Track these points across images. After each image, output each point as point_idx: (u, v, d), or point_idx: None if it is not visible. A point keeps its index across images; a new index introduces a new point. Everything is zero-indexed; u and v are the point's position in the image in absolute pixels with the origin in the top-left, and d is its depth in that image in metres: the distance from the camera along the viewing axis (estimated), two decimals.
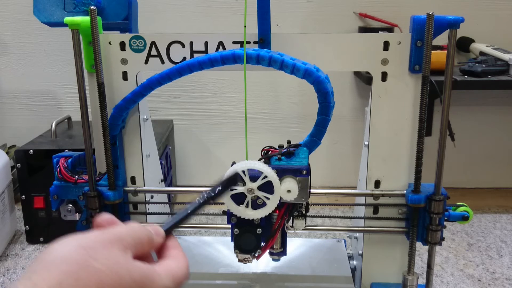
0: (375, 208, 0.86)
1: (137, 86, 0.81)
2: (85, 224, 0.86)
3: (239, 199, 0.72)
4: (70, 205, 0.87)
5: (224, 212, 0.78)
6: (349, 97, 1.79)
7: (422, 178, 0.80)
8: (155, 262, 0.38)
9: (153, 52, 0.81)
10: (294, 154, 0.76)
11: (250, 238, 0.75)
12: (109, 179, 0.84)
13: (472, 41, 1.68)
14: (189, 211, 0.43)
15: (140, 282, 0.34)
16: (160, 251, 0.40)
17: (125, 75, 0.83)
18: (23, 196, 1.38)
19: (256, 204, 0.72)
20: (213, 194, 0.45)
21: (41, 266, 0.32)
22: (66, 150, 0.98)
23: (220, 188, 0.46)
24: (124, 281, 0.33)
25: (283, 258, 0.83)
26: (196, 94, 1.80)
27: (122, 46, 0.81)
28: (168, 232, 0.41)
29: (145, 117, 0.93)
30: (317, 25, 1.72)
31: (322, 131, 0.78)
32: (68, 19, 0.77)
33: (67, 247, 0.33)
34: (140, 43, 0.81)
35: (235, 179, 0.47)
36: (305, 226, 0.78)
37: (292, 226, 0.78)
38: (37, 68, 1.79)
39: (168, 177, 1.59)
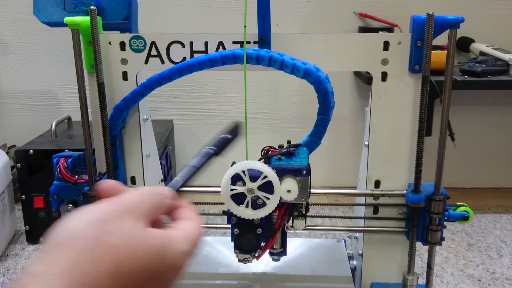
0: (375, 208, 0.86)
1: (137, 86, 0.81)
2: None
3: (239, 199, 0.72)
4: (70, 205, 0.87)
5: (224, 212, 0.78)
6: (349, 97, 1.79)
7: (422, 178, 0.80)
8: (168, 226, 0.37)
9: (153, 52, 0.81)
10: (294, 154, 0.76)
11: (250, 238, 0.75)
12: (109, 179, 0.84)
13: (472, 41, 1.68)
14: (195, 168, 0.41)
15: (158, 252, 0.33)
16: (172, 212, 0.39)
17: (125, 75, 0.83)
18: (23, 196, 1.38)
19: (256, 204, 0.72)
20: (216, 149, 0.43)
21: (53, 246, 0.31)
22: (66, 150, 0.98)
23: (224, 139, 0.44)
24: (141, 253, 0.32)
25: (283, 258, 0.82)
26: (196, 94, 1.80)
27: (122, 46, 0.81)
28: (177, 192, 0.39)
29: (145, 117, 0.93)
30: (317, 25, 1.72)
31: (322, 131, 0.78)
32: (68, 19, 0.77)
33: (79, 224, 0.32)
34: (140, 43, 0.81)
35: (237, 128, 0.45)
36: (305, 226, 0.78)
37: (292, 226, 0.78)
38: (37, 68, 1.79)
39: (168, 177, 1.59)
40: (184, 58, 0.81)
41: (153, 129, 1.00)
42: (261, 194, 0.71)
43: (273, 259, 0.83)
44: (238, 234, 0.76)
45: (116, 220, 0.33)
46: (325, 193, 0.88)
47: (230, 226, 0.77)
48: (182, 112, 1.82)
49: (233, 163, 0.72)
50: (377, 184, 0.85)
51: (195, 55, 0.81)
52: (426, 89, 0.76)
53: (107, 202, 0.34)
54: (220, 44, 0.80)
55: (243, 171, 0.70)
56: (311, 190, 0.74)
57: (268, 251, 0.79)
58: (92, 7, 0.76)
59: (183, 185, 0.40)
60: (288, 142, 0.79)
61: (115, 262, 0.31)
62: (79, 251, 0.30)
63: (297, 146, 0.78)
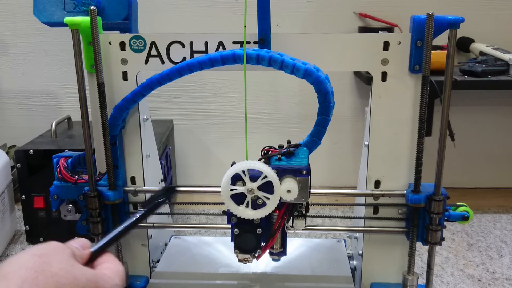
0: (375, 208, 0.86)
1: (137, 86, 0.81)
2: (85, 224, 0.86)
3: (239, 199, 0.72)
4: (70, 205, 0.87)
5: (224, 212, 0.78)
6: (349, 97, 1.79)
7: (422, 178, 0.80)
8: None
9: (153, 52, 0.81)
10: (294, 154, 0.76)
11: (250, 238, 0.75)
12: (109, 179, 0.84)
13: (472, 41, 1.68)
14: (124, 227, 0.44)
15: (94, 281, 0.37)
16: (97, 264, 0.43)
17: (125, 75, 0.83)
18: (23, 196, 1.38)
19: (256, 204, 0.72)
20: (146, 210, 0.45)
21: (1, 276, 0.34)
22: (66, 150, 0.98)
23: (155, 201, 0.46)
24: (80, 281, 0.36)
25: (283, 258, 0.82)
26: (196, 94, 1.80)
27: (122, 46, 0.81)
28: (98, 251, 0.43)
29: (145, 117, 0.93)
30: (317, 25, 1.72)
31: (322, 131, 0.78)
32: (68, 19, 0.77)
33: (23, 257, 0.35)
34: (140, 43, 0.81)
35: (170, 191, 0.47)
36: (305, 226, 0.78)
37: (292, 226, 0.78)
38: (37, 68, 1.79)
39: (168, 177, 1.59)
40: (184, 58, 0.81)
41: (153, 129, 1.00)
42: (261, 194, 0.71)
43: (273, 259, 0.83)
44: (238, 234, 0.76)
45: (56, 254, 0.37)
46: (325, 193, 0.88)
47: (230, 226, 0.77)
48: (182, 112, 1.82)
49: (233, 163, 0.72)
50: (377, 184, 0.85)
51: (195, 55, 0.81)
52: (426, 89, 0.76)
53: (43, 244, 0.38)
54: (220, 44, 0.80)
55: (243, 171, 0.70)
56: (311, 190, 0.74)
57: (268, 251, 0.79)
58: (92, 7, 0.76)
59: (108, 244, 0.43)
60: (288, 142, 0.79)
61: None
62: (24, 279, 0.34)
63: (297, 146, 0.78)
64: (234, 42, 0.80)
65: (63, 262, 0.36)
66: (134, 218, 0.44)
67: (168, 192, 0.47)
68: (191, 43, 0.81)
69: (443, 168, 0.79)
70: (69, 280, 0.35)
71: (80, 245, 0.41)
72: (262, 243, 0.77)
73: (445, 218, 0.80)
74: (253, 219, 0.74)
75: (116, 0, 0.85)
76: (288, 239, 0.81)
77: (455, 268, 1.29)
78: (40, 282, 0.34)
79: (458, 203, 0.83)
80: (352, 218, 0.94)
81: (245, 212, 0.72)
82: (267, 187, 0.71)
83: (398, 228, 0.84)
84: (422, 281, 0.88)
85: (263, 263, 0.95)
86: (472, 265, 1.30)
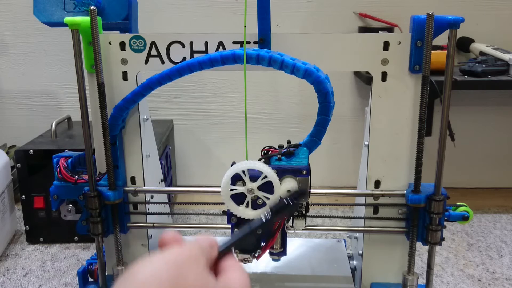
0: (375, 208, 0.86)
1: (137, 86, 0.81)
2: (85, 224, 0.86)
3: (239, 199, 0.72)
4: (70, 205, 0.87)
5: (224, 212, 0.78)
6: (349, 97, 1.79)
7: (422, 178, 0.80)
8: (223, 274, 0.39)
9: (153, 52, 0.81)
10: (294, 154, 0.76)
11: (250, 238, 0.75)
12: (109, 179, 0.84)
13: (472, 41, 1.68)
14: (248, 228, 0.42)
15: None
16: (222, 269, 0.40)
17: (125, 75, 0.83)
18: (23, 196, 1.38)
19: (256, 204, 0.72)
20: (272, 213, 0.43)
21: (132, 285, 0.32)
22: (66, 150, 0.98)
23: (283, 203, 0.44)
24: None
25: (283, 258, 0.82)
26: (196, 94, 1.80)
27: (122, 46, 0.81)
28: (225, 251, 0.40)
29: (145, 117, 0.93)
30: (317, 25, 1.72)
31: (322, 131, 0.78)
32: (68, 19, 0.77)
33: (158, 264, 0.33)
34: (140, 43, 0.81)
35: (300, 195, 0.45)
36: (305, 226, 0.78)
37: (292, 226, 0.78)
38: (37, 68, 1.79)
39: (168, 177, 1.59)
40: (184, 58, 0.81)
41: (153, 129, 1.00)
42: (261, 194, 0.71)
43: (273, 259, 0.83)
44: None
45: (190, 265, 0.34)
46: (325, 193, 0.88)
47: (230, 226, 0.77)
48: (182, 112, 1.82)
49: (233, 163, 0.72)
50: (377, 184, 0.85)
51: (195, 55, 0.81)
52: (426, 89, 0.76)
53: (178, 249, 0.36)
54: (220, 44, 0.80)
55: (243, 171, 0.70)
56: (311, 190, 0.74)
57: (268, 251, 0.79)
58: (92, 7, 0.76)
59: (232, 245, 0.41)
60: (288, 142, 0.79)
61: None
62: None
63: (297, 146, 0.78)
64: (234, 42, 0.80)
65: (198, 276, 0.34)
66: (261, 221, 0.42)
67: (300, 197, 0.45)
68: (191, 43, 0.81)
69: (443, 168, 0.79)
70: None
71: (209, 243, 0.39)
72: (262, 243, 0.77)
73: (445, 218, 0.80)
74: (253, 219, 0.74)
75: (116, 0, 0.85)
76: (288, 239, 0.81)
77: (455, 268, 1.29)
78: None
79: (458, 203, 0.83)
80: (352, 218, 0.94)
81: (245, 212, 0.72)
82: (267, 187, 0.71)
83: (398, 228, 0.84)
84: (422, 281, 0.88)
85: (263, 263, 0.95)
86: (472, 265, 1.30)
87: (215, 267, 0.39)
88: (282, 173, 0.72)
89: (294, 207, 0.43)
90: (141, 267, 0.33)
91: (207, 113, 1.82)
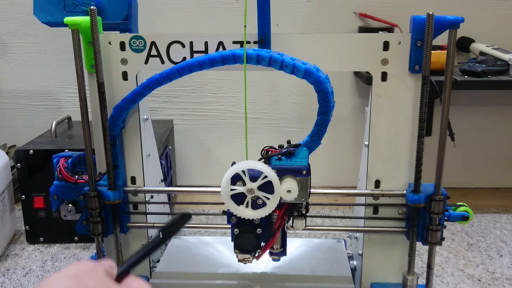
0: (375, 208, 0.86)
1: (137, 86, 0.81)
2: (85, 224, 0.86)
3: (239, 199, 0.72)
4: (70, 205, 0.87)
5: (224, 212, 0.78)
6: (349, 97, 1.79)
7: (422, 178, 0.80)
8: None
9: (153, 52, 0.81)
10: (294, 154, 0.76)
11: (250, 238, 0.75)
12: (109, 179, 0.84)
13: (472, 41, 1.68)
14: (144, 250, 0.44)
15: None
16: (125, 284, 0.42)
17: (125, 75, 0.83)
18: (23, 196, 1.38)
19: (256, 204, 0.72)
20: (163, 235, 0.45)
21: None
22: (66, 150, 0.98)
23: (171, 226, 0.45)
24: None
25: (283, 258, 0.83)
26: (196, 94, 1.80)
27: (122, 46, 0.81)
28: (124, 273, 0.42)
29: (145, 117, 0.93)
30: (317, 25, 1.72)
31: (322, 131, 0.78)
32: (68, 19, 0.77)
33: (60, 279, 0.35)
34: (140, 43, 0.81)
35: (186, 217, 0.47)
36: (305, 226, 0.79)
37: (292, 226, 0.78)
38: (37, 68, 1.79)
39: (168, 177, 1.59)
40: (184, 58, 0.81)
41: (153, 129, 1.00)
42: (261, 194, 0.71)
43: (273, 259, 0.83)
44: (238, 234, 0.76)
45: (91, 273, 0.37)
46: (325, 193, 0.88)
47: (230, 226, 0.77)
48: (182, 112, 1.82)
49: (233, 163, 0.72)
50: (377, 184, 0.85)
51: (195, 55, 0.81)
52: (426, 89, 0.76)
53: (77, 263, 0.38)
54: (220, 44, 0.80)
55: (243, 171, 0.70)
56: (311, 190, 0.74)
57: (268, 251, 0.79)
58: (92, 7, 0.76)
59: (131, 266, 0.42)
60: (288, 142, 0.79)
61: None
62: None
63: (297, 146, 0.78)
64: (234, 42, 0.80)
65: (98, 282, 0.36)
66: (153, 243, 0.44)
67: (184, 218, 0.47)
68: (191, 43, 0.81)
69: (443, 168, 0.79)
70: None
71: (108, 265, 0.41)
72: (262, 243, 0.77)
73: (445, 218, 0.80)
74: (253, 219, 0.74)
75: (116, 0, 0.85)
76: (288, 239, 0.81)
77: (455, 268, 1.29)
78: None
79: (458, 203, 0.83)
80: (352, 218, 0.94)
81: (245, 212, 0.72)
82: (267, 187, 0.71)
83: (398, 228, 0.84)
84: (422, 281, 0.88)
85: (263, 263, 0.95)
86: (472, 265, 1.30)
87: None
88: (282, 173, 0.72)
89: (182, 224, 0.46)
90: (44, 284, 0.35)
91: (207, 113, 1.82)
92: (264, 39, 0.78)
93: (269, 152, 0.77)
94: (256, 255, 0.76)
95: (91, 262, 0.39)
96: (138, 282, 0.41)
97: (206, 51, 0.81)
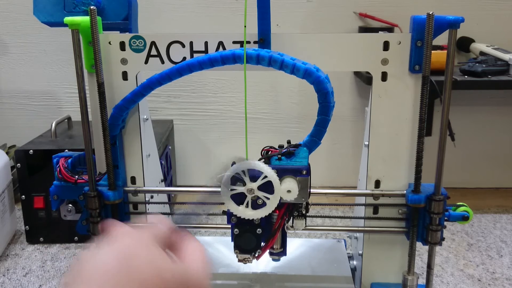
0: (375, 208, 0.86)
1: (137, 86, 0.81)
2: (85, 224, 0.86)
3: (239, 199, 0.72)
4: (70, 205, 0.87)
5: (224, 212, 0.78)
6: (349, 97, 1.79)
7: (422, 178, 0.80)
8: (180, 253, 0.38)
9: (153, 52, 0.81)
10: (294, 154, 0.76)
11: (250, 238, 0.75)
12: (109, 179, 0.84)
13: (472, 41, 1.68)
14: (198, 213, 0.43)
15: (181, 281, 0.34)
16: (175, 243, 0.39)
17: (125, 75, 0.83)
18: (23, 196, 1.38)
19: (256, 204, 0.72)
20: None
21: (80, 279, 0.31)
22: (66, 150, 0.98)
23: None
24: (168, 282, 0.33)
25: (283, 258, 0.82)
26: (196, 94, 1.80)
27: (122, 46, 0.81)
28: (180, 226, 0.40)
29: (145, 117, 0.93)
30: (317, 25, 1.72)
31: (322, 131, 0.78)
32: (68, 19, 0.77)
33: (105, 257, 0.32)
34: (140, 43, 0.81)
35: None
36: (305, 226, 0.78)
37: (292, 226, 0.78)
38: (37, 68, 1.79)
39: (168, 177, 1.59)
40: (184, 58, 0.81)
41: (153, 129, 1.00)
42: (261, 194, 0.71)
43: (273, 259, 0.83)
44: (238, 234, 0.76)
45: (141, 251, 0.33)
46: (325, 193, 0.88)
47: (230, 226, 0.77)
48: (182, 112, 1.82)
49: (233, 163, 0.72)
50: (377, 184, 0.85)
51: (195, 55, 0.81)
52: (426, 89, 0.76)
53: (128, 239, 0.35)
54: (220, 44, 0.80)
55: (243, 171, 0.70)
56: (311, 190, 0.74)
57: (268, 251, 0.79)
58: (92, 7, 0.76)
59: (185, 222, 0.41)
60: (288, 142, 0.79)
61: None
62: (107, 286, 0.30)
63: (297, 146, 0.78)
64: (234, 42, 0.80)
65: (148, 263, 0.33)
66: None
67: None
68: (191, 43, 0.81)
69: (443, 168, 0.79)
70: (156, 283, 0.32)
71: (158, 221, 0.38)
72: (262, 243, 0.76)
73: (445, 218, 0.80)
74: (253, 219, 0.74)
75: (116, 0, 0.85)
76: (288, 239, 0.81)
77: (455, 268, 1.29)
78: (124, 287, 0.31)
79: (458, 203, 0.82)
80: (352, 218, 0.94)
81: (245, 212, 0.72)
82: (267, 187, 0.71)
83: (398, 228, 0.84)
84: (422, 281, 0.88)
85: (263, 263, 0.95)
86: (472, 265, 1.30)
87: (169, 244, 0.38)
88: (282, 173, 0.72)
89: None
90: (91, 257, 0.32)
91: (207, 113, 1.82)
92: (264, 39, 0.78)
93: (269, 152, 0.77)
94: (256, 255, 0.76)
95: (142, 232, 0.35)
96: (193, 247, 0.38)
97: (206, 51, 0.81)
